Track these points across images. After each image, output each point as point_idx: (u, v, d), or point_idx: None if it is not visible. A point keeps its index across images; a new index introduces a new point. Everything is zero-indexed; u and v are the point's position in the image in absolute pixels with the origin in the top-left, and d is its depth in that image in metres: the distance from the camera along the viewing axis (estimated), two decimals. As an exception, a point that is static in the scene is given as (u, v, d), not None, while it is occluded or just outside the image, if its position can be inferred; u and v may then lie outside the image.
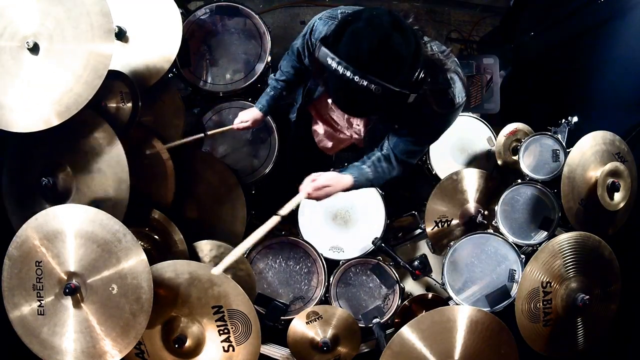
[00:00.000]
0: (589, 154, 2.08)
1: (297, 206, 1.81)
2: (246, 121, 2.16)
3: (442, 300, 2.28)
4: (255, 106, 2.16)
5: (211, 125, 2.53)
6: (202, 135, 2.30)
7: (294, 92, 2.16)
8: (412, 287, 2.52)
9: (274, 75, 2.09)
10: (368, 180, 1.75)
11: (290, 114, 2.20)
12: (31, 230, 1.61)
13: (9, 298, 1.62)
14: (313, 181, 1.68)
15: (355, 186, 1.74)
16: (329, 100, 1.51)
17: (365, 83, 1.27)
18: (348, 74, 1.27)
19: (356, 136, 2.03)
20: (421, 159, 2.56)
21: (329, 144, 2.21)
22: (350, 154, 2.65)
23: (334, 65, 1.29)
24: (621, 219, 2.18)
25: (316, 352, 2.13)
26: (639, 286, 2.10)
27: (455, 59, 1.64)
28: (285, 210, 1.63)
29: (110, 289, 1.59)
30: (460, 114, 2.38)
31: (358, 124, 1.95)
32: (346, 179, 1.73)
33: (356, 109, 1.44)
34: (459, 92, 1.59)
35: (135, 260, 1.60)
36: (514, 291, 2.17)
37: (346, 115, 1.95)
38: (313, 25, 1.75)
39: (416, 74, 1.33)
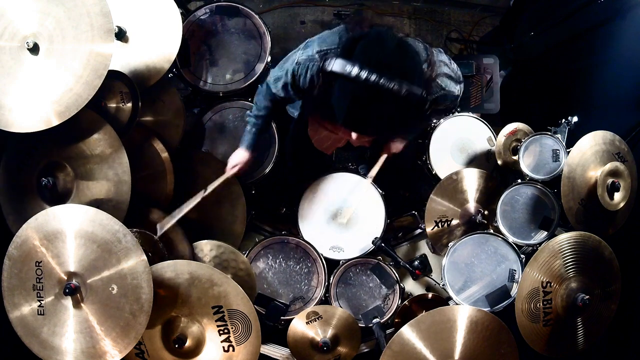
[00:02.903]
0: (589, 154, 2.07)
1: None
2: (236, 165, 2.17)
3: (442, 300, 2.28)
4: (241, 147, 2.18)
5: (211, 125, 2.53)
6: (202, 193, 2.18)
7: (273, 120, 2.26)
8: (412, 287, 2.52)
9: (251, 112, 2.12)
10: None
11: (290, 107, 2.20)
12: (31, 230, 1.61)
13: (9, 298, 1.62)
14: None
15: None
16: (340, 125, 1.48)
17: (391, 85, 1.24)
18: (373, 77, 1.24)
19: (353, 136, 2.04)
20: (421, 159, 2.56)
21: (325, 144, 2.21)
22: (350, 153, 2.66)
23: (354, 72, 1.25)
24: (621, 219, 2.18)
25: (316, 352, 2.13)
26: (639, 286, 2.10)
27: (441, 56, 1.67)
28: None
29: (110, 289, 1.59)
30: (461, 114, 2.42)
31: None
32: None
33: (374, 122, 1.38)
34: (453, 87, 1.70)
35: (135, 260, 1.60)
36: (514, 291, 2.17)
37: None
38: (294, 72, 1.75)
39: (426, 74, 1.35)
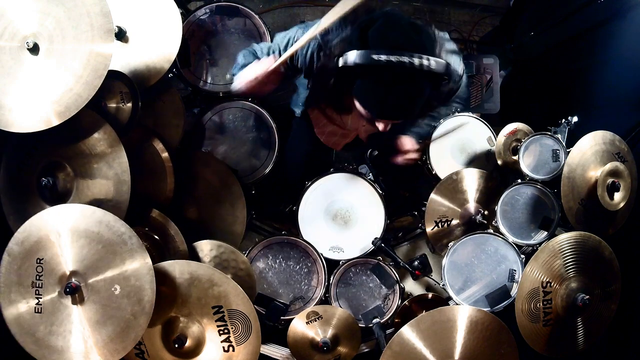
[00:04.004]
0: (589, 154, 2.08)
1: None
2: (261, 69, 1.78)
3: (442, 300, 2.28)
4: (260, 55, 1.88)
5: (211, 125, 2.53)
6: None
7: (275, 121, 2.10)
8: (412, 287, 2.52)
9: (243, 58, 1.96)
10: None
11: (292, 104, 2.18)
12: (34, 227, 1.61)
13: (5, 294, 1.60)
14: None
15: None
16: (361, 109, 1.47)
17: (415, 61, 1.24)
18: (395, 59, 1.24)
19: (363, 128, 2.03)
20: (421, 159, 2.56)
21: (334, 140, 2.20)
22: (350, 153, 2.66)
23: (377, 58, 1.25)
24: (621, 219, 2.18)
25: (316, 352, 2.13)
26: (639, 286, 2.10)
27: (441, 33, 1.67)
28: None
29: (113, 289, 1.59)
30: (460, 114, 2.42)
31: (364, 124, 1.96)
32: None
33: (407, 105, 1.37)
34: (458, 65, 1.68)
35: (139, 262, 1.60)
36: (514, 291, 2.17)
37: (352, 116, 1.94)
38: (292, 38, 1.73)
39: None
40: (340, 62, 1.35)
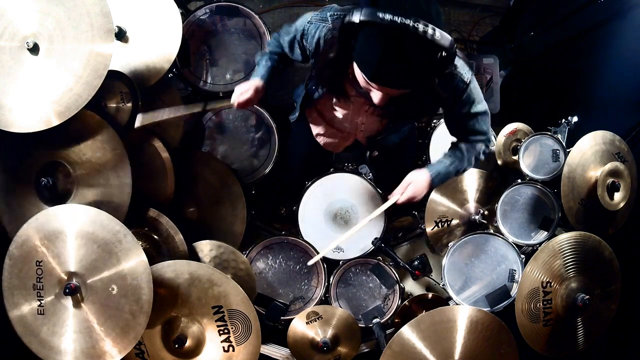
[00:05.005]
0: (589, 154, 2.08)
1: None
2: (247, 91, 1.84)
3: (442, 300, 2.28)
4: (254, 76, 1.91)
5: (211, 126, 2.54)
6: (202, 106, 2.07)
7: (288, 67, 2.03)
8: (412, 287, 2.52)
9: (267, 50, 1.97)
10: (447, 168, 1.86)
11: (290, 114, 2.19)
12: (32, 230, 1.61)
13: (9, 297, 1.62)
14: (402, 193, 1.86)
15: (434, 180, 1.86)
16: (359, 76, 1.47)
17: (420, 27, 1.25)
18: (401, 20, 1.25)
19: (361, 132, 2.03)
20: (421, 159, 2.56)
21: (333, 142, 2.20)
22: (350, 153, 2.65)
23: (383, 16, 1.26)
24: (621, 219, 2.18)
25: (316, 352, 2.13)
26: (639, 286, 2.10)
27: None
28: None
29: (110, 289, 1.60)
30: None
31: (363, 122, 1.95)
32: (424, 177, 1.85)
33: (404, 72, 1.37)
34: (466, 71, 1.65)
35: (135, 261, 1.60)
36: (514, 291, 2.17)
37: (350, 114, 1.94)
38: (304, 30, 1.74)
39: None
40: (345, 20, 1.36)
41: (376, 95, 1.46)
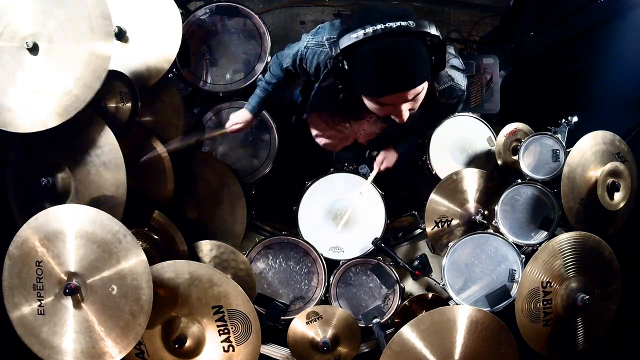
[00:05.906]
0: (589, 154, 2.07)
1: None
2: (237, 123, 2.25)
3: (442, 300, 2.28)
4: (245, 108, 2.25)
5: (211, 126, 2.54)
6: (200, 135, 2.39)
7: (284, 91, 2.25)
8: (412, 287, 2.52)
9: (264, 77, 2.15)
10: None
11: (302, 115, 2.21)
12: (31, 230, 1.61)
13: (9, 298, 1.62)
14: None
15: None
16: (374, 107, 1.48)
17: (398, 23, 1.30)
18: (380, 26, 1.30)
19: (362, 132, 2.04)
20: (421, 159, 2.56)
21: (332, 143, 2.20)
22: (350, 153, 2.66)
23: (362, 33, 1.31)
24: (621, 219, 2.18)
25: (316, 352, 2.13)
26: (639, 286, 2.10)
27: (449, 48, 1.73)
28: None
29: (110, 289, 1.59)
30: (460, 114, 2.42)
31: (364, 128, 1.97)
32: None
33: (408, 69, 1.39)
34: (461, 80, 1.76)
35: (135, 260, 1.60)
36: (514, 291, 2.17)
37: (352, 121, 1.96)
38: (302, 55, 1.81)
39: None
40: (333, 61, 1.38)
41: (397, 112, 1.44)
